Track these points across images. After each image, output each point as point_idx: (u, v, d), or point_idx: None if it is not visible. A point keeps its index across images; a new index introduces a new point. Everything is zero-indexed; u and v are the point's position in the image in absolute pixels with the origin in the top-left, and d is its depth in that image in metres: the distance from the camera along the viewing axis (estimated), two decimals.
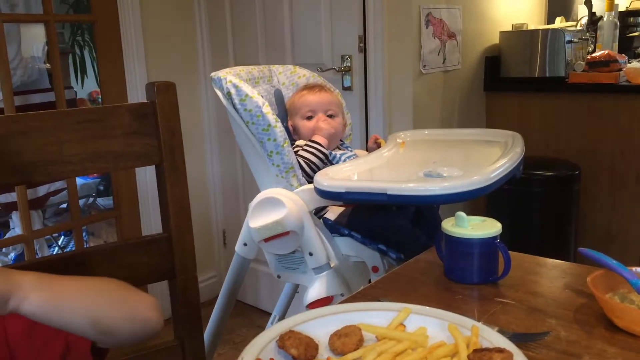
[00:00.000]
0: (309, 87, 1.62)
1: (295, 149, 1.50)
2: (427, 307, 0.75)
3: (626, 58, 2.61)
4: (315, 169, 1.45)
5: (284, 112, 1.65)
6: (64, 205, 3.41)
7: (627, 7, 3.24)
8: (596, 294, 0.77)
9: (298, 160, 1.45)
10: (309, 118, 1.56)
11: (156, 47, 2.64)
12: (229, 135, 2.58)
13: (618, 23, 2.82)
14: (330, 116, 1.57)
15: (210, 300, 1.88)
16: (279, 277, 1.48)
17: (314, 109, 1.56)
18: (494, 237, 0.91)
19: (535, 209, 2.37)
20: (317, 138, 1.51)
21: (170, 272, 0.99)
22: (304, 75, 1.71)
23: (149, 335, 0.76)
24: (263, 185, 1.46)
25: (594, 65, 2.52)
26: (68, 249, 3.48)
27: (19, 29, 2.76)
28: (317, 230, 1.37)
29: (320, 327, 0.71)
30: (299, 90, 1.63)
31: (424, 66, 2.29)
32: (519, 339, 0.72)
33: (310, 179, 1.42)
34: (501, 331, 0.73)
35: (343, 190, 1.16)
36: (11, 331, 0.76)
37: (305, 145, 1.50)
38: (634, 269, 0.81)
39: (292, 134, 1.59)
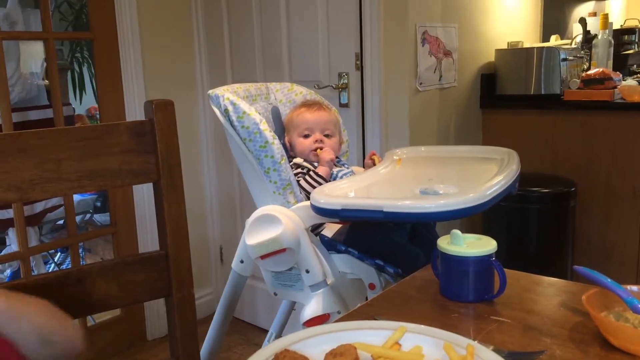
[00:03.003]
0: (308, 105, 1.62)
1: (295, 172, 1.50)
2: (423, 326, 0.75)
3: (621, 76, 2.64)
4: None
5: (281, 129, 1.65)
6: (61, 222, 3.40)
7: (621, 25, 3.28)
8: (591, 313, 0.77)
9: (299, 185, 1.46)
10: (306, 136, 1.57)
11: (154, 65, 2.66)
12: (226, 152, 2.59)
13: (612, 41, 2.86)
14: (326, 136, 1.58)
15: (207, 317, 1.88)
16: (275, 294, 1.48)
17: (311, 128, 1.57)
18: (490, 255, 0.91)
19: (531, 225, 2.37)
20: (320, 170, 1.50)
21: (167, 289, 0.99)
22: (301, 92, 1.73)
23: (73, 355, 0.82)
24: (260, 202, 1.46)
25: (589, 82, 2.54)
26: (64, 266, 3.46)
27: (18, 45, 2.77)
28: (313, 247, 1.37)
29: (315, 346, 0.71)
30: (297, 106, 1.64)
31: (420, 83, 2.31)
32: (515, 358, 0.72)
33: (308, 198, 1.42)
34: (496, 350, 0.73)
35: (339, 208, 1.16)
36: None
37: (308, 176, 1.49)
38: (628, 287, 0.81)
39: (289, 150, 1.60)
